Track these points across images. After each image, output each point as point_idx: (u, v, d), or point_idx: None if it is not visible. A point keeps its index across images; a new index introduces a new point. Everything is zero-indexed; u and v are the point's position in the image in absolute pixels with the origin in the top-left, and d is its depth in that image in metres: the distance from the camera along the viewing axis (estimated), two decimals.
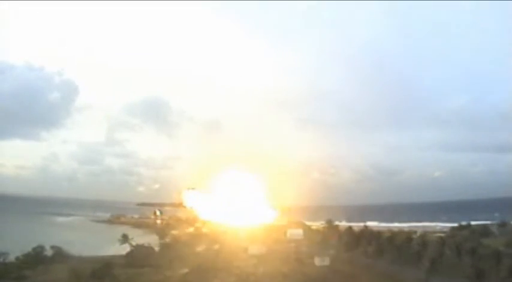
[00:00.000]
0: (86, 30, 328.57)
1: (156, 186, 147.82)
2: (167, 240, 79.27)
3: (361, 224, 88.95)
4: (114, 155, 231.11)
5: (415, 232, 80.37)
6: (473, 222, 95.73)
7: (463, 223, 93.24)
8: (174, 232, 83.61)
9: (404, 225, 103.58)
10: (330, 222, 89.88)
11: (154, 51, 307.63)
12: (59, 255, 59.40)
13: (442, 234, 74.54)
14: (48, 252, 58.65)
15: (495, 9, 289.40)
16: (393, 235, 65.72)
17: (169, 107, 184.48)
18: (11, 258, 51.88)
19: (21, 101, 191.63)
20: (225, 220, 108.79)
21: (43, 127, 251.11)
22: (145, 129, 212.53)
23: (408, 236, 65.60)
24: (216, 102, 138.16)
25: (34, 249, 56.64)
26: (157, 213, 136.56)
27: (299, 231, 67.03)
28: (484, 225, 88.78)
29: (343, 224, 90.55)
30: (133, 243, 63.50)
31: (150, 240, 74.74)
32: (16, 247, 56.30)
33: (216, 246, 76.01)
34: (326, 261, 58.09)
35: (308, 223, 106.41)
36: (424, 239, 62.80)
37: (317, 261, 58.25)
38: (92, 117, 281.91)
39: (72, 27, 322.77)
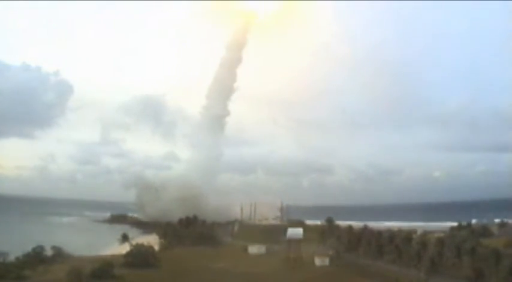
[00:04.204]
0: (82, 30, 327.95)
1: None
2: (167, 239, 79.49)
3: (361, 224, 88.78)
4: (111, 155, 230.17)
5: (415, 232, 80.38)
6: (472, 222, 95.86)
7: (463, 223, 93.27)
8: (174, 232, 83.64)
9: (404, 225, 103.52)
10: (329, 221, 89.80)
11: (151, 50, 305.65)
12: (59, 255, 59.35)
13: (441, 234, 74.47)
14: (48, 252, 58.58)
15: (495, 9, 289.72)
16: (393, 235, 65.62)
17: (166, 106, 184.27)
18: (11, 258, 51.80)
19: (17, 101, 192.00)
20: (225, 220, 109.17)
21: (40, 127, 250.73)
22: (141, 129, 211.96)
23: (408, 236, 65.44)
24: (214, 101, 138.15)
25: (34, 249, 56.53)
26: None
27: (299, 231, 67.00)
28: (484, 225, 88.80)
29: (343, 223, 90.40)
30: (133, 243, 63.49)
31: (150, 239, 74.92)
32: (16, 247, 56.29)
33: (216, 246, 76.30)
34: (326, 261, 58.25)
35: (308, 222, 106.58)
36: (424, 239, 62.72)
37: (317, 261, 58.39)
38: (87, 116, 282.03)
39: (69, 26, 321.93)
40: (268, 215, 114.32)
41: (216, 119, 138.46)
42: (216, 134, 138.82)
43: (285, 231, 68.04)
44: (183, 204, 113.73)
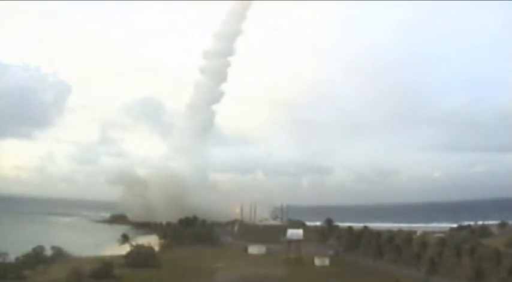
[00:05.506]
0: (81, 31, 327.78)
1: None
2: (167, 240, 79.48)
3: (361, 225, 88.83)
4: (110, 155, 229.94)
5: (415, 232, 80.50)
6: (472, 222, 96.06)
7: (463, 223, 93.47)
8: (173, 232, 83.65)
9: (404, 225, 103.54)
10: (329, 222, 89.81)
11: (148, 51, 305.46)
12: (59, 255, 59.32)
13: (441, 235, 74.58)
14: (48, 252, 58.53)
15: (495, 9, 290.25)
16: (393, 235, 65.69)
17: (163, 106, 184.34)
18: (11, 258, 51.76)
19: (16, 101, 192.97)
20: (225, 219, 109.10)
21: (38, 127, 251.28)
22: (139, 129, 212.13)
23: (408, 236, 65.57)
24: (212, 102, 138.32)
25: (34, 249, 56.48)
26: None
27: (299, 231, 67.00)
28: (484, 226, 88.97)
29: (343, 225, 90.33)
30: (134, 243, 63.50)
31: (150, 240, 74.90)
32: (16, 247, 56.21)
33: (216, 247, 76.27)
34: (326, 262, 58.22)
35: (307, 223, 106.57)
36: (424, 239, 62.79)
37: (317, 261, 58.37)
38: (86, 117, 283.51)
39: (67, 27, 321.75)
40: (264, 215, 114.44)
41: (200, 120, 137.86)
42: (202, 134, 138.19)
43: (285, 231, 68.00)
44: (169, 203, 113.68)
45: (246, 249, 69.76)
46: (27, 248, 56.26)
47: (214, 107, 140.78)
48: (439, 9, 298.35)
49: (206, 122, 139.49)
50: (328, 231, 79.20)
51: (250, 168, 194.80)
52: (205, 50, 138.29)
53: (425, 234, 77.55)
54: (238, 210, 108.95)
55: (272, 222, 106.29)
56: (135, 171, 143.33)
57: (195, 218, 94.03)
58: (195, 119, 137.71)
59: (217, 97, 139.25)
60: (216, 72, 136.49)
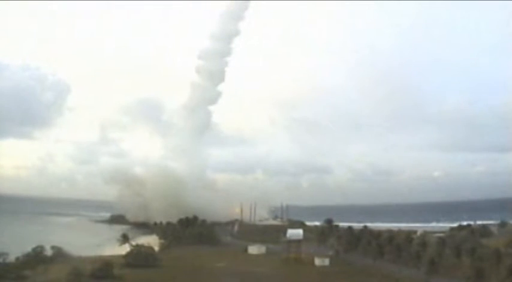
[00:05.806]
0: (79, 31, 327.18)
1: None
2: (167, 240, 79.48)
3: (361, 224, 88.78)
4: (109, 155, 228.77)
5: (415, 232, 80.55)
6: (472, 222, 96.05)
7: (463, 223, 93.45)
8: (173, 232, 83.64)
9: (404, 225, 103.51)
10: (329, 222, 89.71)
11: (148, 51, 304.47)
12: (59, 255, 59.15)
13: (441, 235, 74.62)
14: (48, 252, 58.40)
15: (495, 9, 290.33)
16: (393, 235, 65.71)
17: (163, 106, 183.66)
18: (11, 258, 51.67)
19: (15, 101, 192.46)
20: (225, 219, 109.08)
21: (38, 127, 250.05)
22: (139, 129, 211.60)
23: (408, 236, 65.61)
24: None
25: (34, 249, 56.27)
26: None
27: (299, 231, 67.04)
28: (484, 225, 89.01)
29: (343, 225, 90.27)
30: (133, 243, 63.49)
31: (150, 240, 74.92)
32: (16, 247, 56.15)
33: (216, 246, 76.30)
34: (326, 262, 58.24)
35: (307, 223, 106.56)
36: (424, 239, 62.82)
37: (317, 261, 58.38)
38: (85, 116, 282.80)
39: (66, 27, 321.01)
40: (264, 215, 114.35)
41: (198, 120, 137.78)
42: (200, 133, 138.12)
43: (285, 231, 68.04)
44: (167, 203, 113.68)
45: (246, 249, 69.79)
46: (27, 248, 56.11)
47: (214, 106, 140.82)
48: (440, 9, 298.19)
49: (204, 122, 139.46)
50: (328, 231, 79.13)
51: (249, 168, 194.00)
52: (202, 50, 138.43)
53: (425, 234, 77.54)
54: (238, 210, 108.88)
55: (272, 222, 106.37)
56: (132, 171, 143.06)
57: (195, 218, 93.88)
58: (192, 119, 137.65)
59: (214, 97, 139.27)
60: (214, 73, 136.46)
